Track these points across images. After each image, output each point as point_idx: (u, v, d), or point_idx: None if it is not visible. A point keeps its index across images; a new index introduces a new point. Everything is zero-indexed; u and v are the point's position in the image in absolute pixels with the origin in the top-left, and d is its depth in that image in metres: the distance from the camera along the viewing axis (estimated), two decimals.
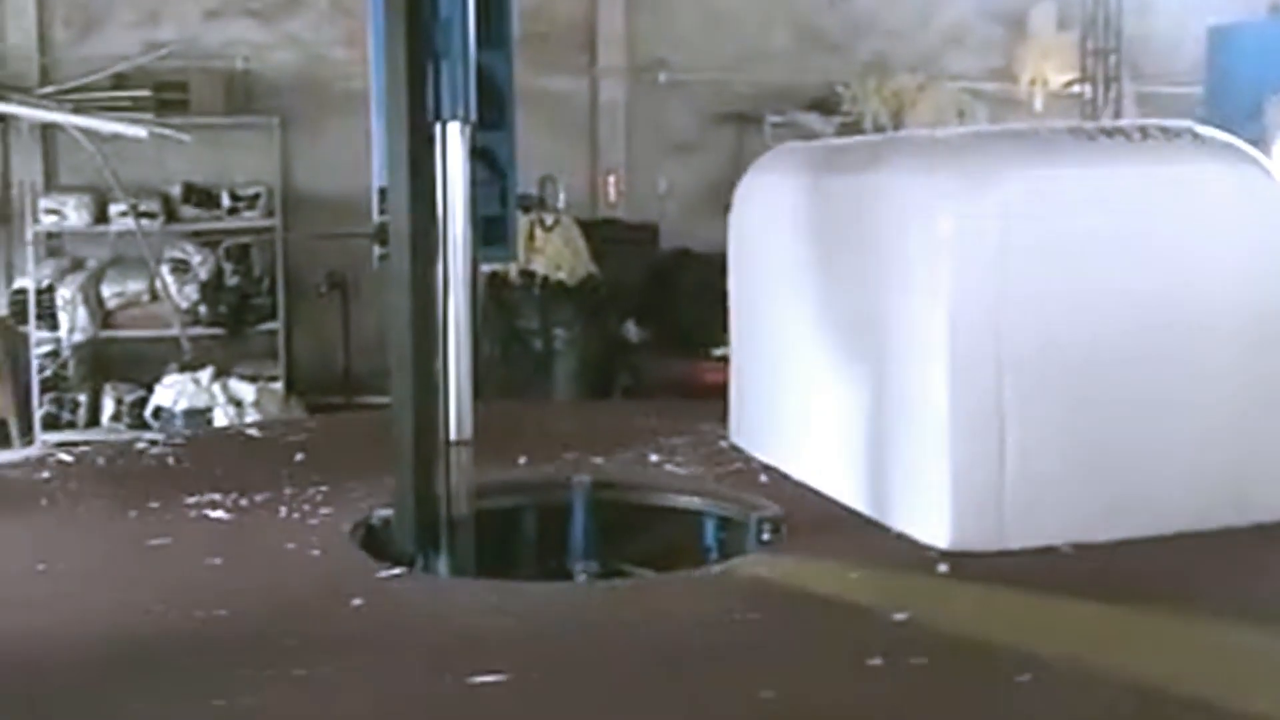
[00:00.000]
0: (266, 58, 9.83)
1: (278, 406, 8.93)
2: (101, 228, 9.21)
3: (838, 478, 3.57)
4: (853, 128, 9.61)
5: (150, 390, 8.98)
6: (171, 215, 9.36)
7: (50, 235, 9.36)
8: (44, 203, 9.16)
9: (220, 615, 2.80)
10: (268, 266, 9.51)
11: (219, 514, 3.55)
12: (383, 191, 3.44)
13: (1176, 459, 3.24)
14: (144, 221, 9.09)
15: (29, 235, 9.16)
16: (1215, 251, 3.28)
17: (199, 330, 9.23)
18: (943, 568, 3.03)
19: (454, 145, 3.39)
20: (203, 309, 9.26)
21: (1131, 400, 3.22)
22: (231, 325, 9.35)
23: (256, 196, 9.47)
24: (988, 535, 3.11)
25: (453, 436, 3.45)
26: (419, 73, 3.30)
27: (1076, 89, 10.38)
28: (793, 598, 2.92)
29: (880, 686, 2.43)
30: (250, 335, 9.49)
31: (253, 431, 5.05)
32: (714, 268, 4.39)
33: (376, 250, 3.54)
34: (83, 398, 9.11)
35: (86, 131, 8.95)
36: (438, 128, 3.37)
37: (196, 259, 9.28)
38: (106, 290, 9.19)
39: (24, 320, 9.06)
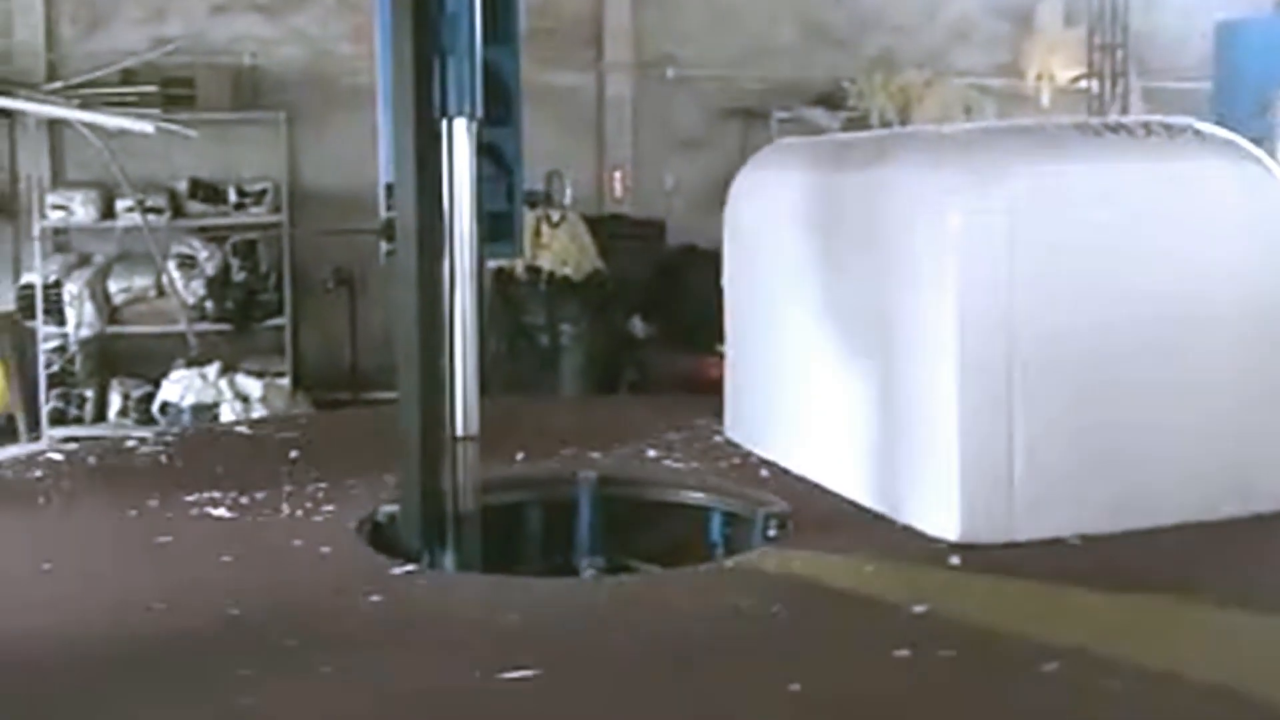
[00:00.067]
0: (273, 53, 9.84)
1: (284, 402, 8.95)
2: (108, 223, 9.24)
3: (842, 472, 3.57)
4: (859, 123, 9.61)
5: (157, 386, 9.01)
6: (178, 211, 9.38)
7: (57, 231, 9.39)
8: (51, 198, 9.19)
9: (239, 613, 2.78)
10: (274, 262, 9.53)
11: (220, 512, 3.53)
12: (389, 187, 3.44)
13: (1181, 451, 3.26)
14: (151, 217, 9.11)
15: (36, 231, 9.18)
16: (1218, 247, 3.30)
17: (206, 326, 9.25)
18: (954, 560, 3.03)
19: (461, 141, 3.39)
20: (209, 304, 9.28)
21: (1137, 393, 3.24)
22: (238, 321, 9.36)
23: (263, 192, 9.48)
24: (997, 528, 3.12)
25: (459, 432, 3.44)
26: (425, 68, 3.30)
27: (1083, 84, 10.36)
28: (810, 591, 2.92)
29: (913, 678, 2.43)
30: (257, 331, 9.51)
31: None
32: (720, 264, 4.39)
33: (383, 246, 3.54)
34: (89, 393, 9.13)
35: (93, 127, 8.97)
36: (444, 123, 3.36)
37: (203, 254, 9.30)
38: (113, 286, 9.21)
39: (31, 315, 9.08)
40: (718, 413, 4.31)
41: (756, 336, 4.13)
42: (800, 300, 3.80)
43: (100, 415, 9.10)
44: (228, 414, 8.61)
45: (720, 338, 4.36)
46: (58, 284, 9.02)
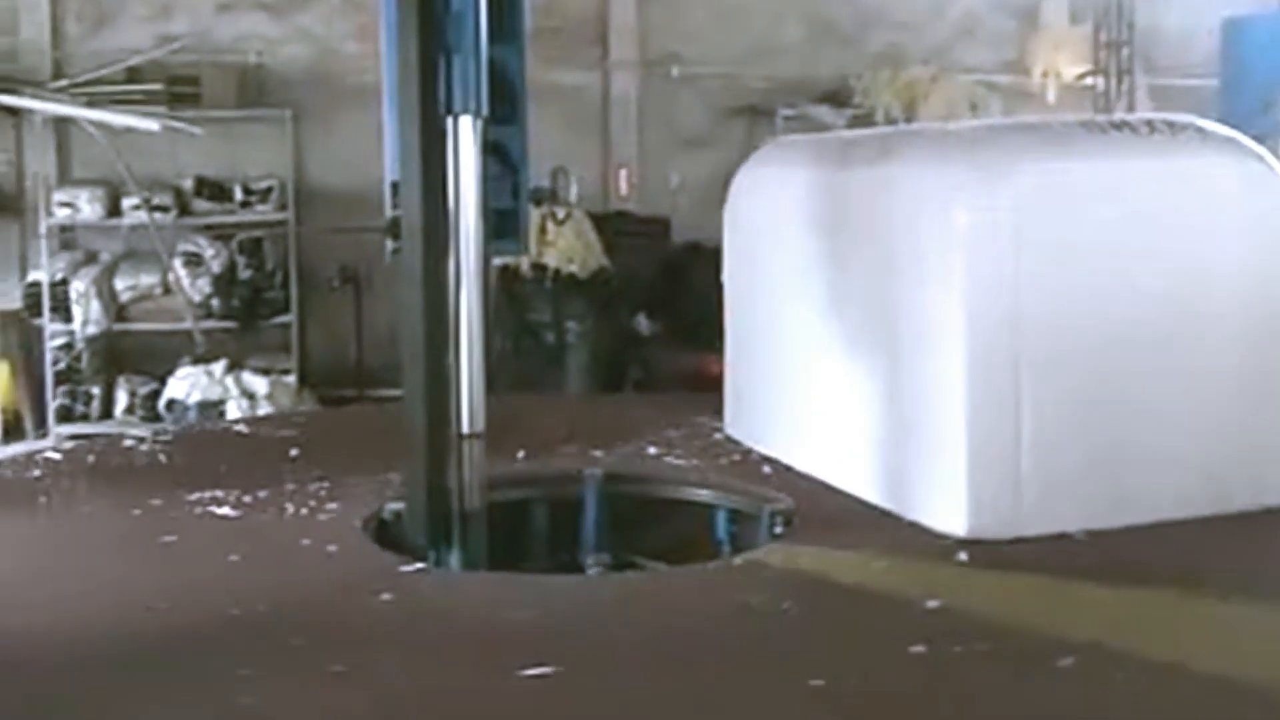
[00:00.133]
0: (278, 51, 9.84)
1: (290, 399, 8.96)
2: (114, 221, 9.25)
3: (846, 469, 3.57)
4: (865, 120, 9.60)
5: (163, 383, 9.02)
6: (184, 209, 9.39)
7: (64, 228, 9.40)
8: (57, 196, 9.20)
9: (252, 612, 2.78)
10: (280, 260, 9.53)
11: (225, 510, 3.52)
12: (395, 185, 3.44)
13: (1185, 446, 3.29)
14: (157, 215, 9.12)
15: (42, 228, 9.19)
16: (1220, 244, 3.33)
17: (212, 323, 9.26)
18: (962, 555, 3.05)
19: (466, 139, 3.39)
20: (215, 302, 9.29)
21: (1141, 389, 3.26)
22: (244, 318, 9.37)
23: (269, 190, 9.49)
24: (1004, 523, 3.14)
25: (464, 430, 3.45)
26: (431, 66, 3.30)
27: (1089, 82, 10.35)
28: (821, 588, 2.92)
29: (932, 674, 2.44)
30: (263, 328, 9.52)
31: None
32: None
33: (389, 244, 3.54)
34: (96, 390, 9.14)
35: (99, 125, 8.99)
36: (450, 121, 3.37)
37: (209, 252, 9.31)
38: (120, 283, 9.23)
39: (38, 313, 9.10)
40: (717, 410, 4.32)
41: (757, 334, 4.13)
42: (803, 297, 3.80)
43: (107, 412, 9.12)
44: (234, 411, 8.62)
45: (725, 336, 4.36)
46: (64, 282, 9.04)
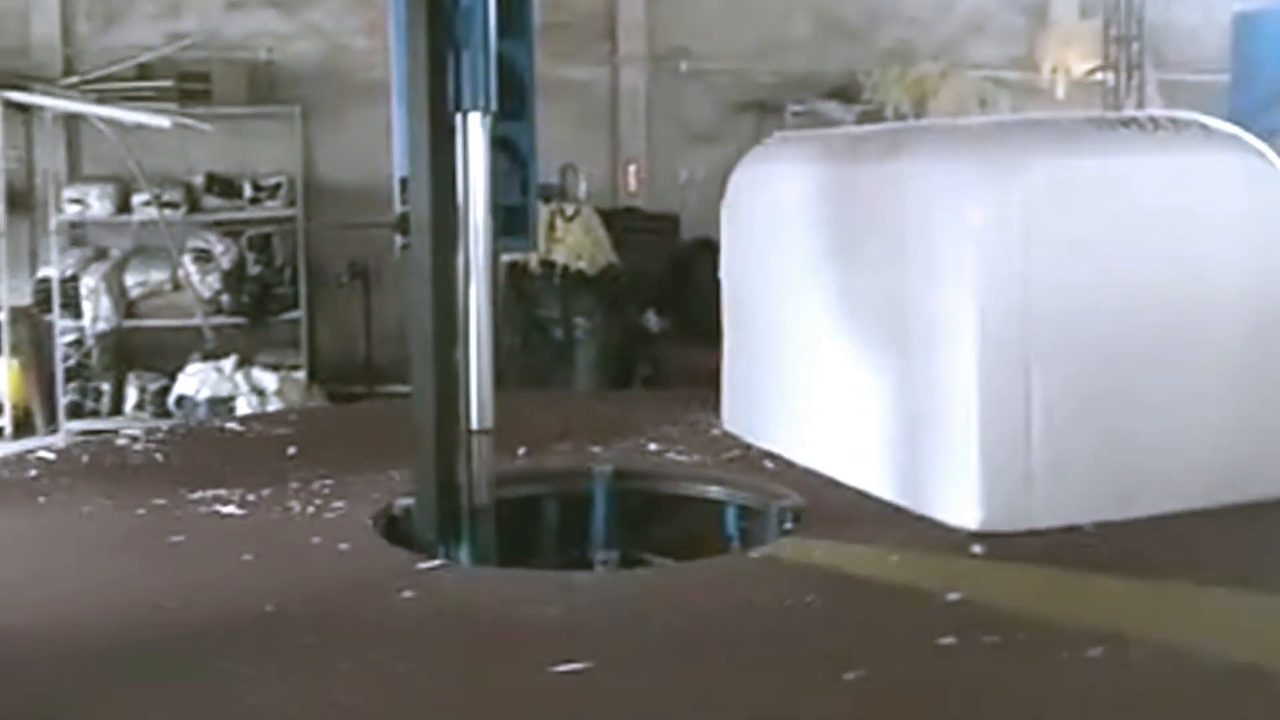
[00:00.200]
0: (288, 48, 9.85)
1: (300, 395, 8.97)
2: (124, 217, 9.26)
3: (854, 463, 3.57)
4: (874, 116, 9.57)
5: (173, 379, 9.04)
6: (194, 205, 9.40)
7: (74, 225, 9.42)
8: (67, 192, 9.22)
9: (273, 610, 2.78)
10: (290, 256, 9.54)
11: (230, 509, 3.51)
12: (404, 181, 3.45)
13: (1193, 439, 3.31)
14: (167, 211, 9.14)
15: (53, 225, 9.21)
16: (1224, 239, 3.35)
17: (221, 319, 9.28)
18: (977, 548, 3.06)
19: (475, 135, 3.40)
20: (225, 298, 9.30)
21: (1149, 383, 3.28)
22: (254, 314, 9.39)
23: (278, 186, 9.50)
24: (1016, 516, 3.15)
25: (473, 426, 3.45)
26: (440, 62, 3.30)
27: (1099, 77, 10.32)
28: (841, 581, 2.93)
29: (964, 665, 2.45)
30: (272, 324, 9.53)
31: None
32: None
33: (398, 240, 3.54)
34: (106, 386, 9.16)
35: (110, 122, 9.01)
36: (458, 117, 3.37)
37: (219, 248, 9.32)
38: (130, 279, 9.24)
39: (48, 309, 9.12)
40: (711, 406, 4.31)
41: (758, 329, 4.12)
42: (808, 293, 3.80)
43: (117, 408, 9.14)
44: (243, 407, 8.64)
45: None
46: (74, 278, 9.05)
